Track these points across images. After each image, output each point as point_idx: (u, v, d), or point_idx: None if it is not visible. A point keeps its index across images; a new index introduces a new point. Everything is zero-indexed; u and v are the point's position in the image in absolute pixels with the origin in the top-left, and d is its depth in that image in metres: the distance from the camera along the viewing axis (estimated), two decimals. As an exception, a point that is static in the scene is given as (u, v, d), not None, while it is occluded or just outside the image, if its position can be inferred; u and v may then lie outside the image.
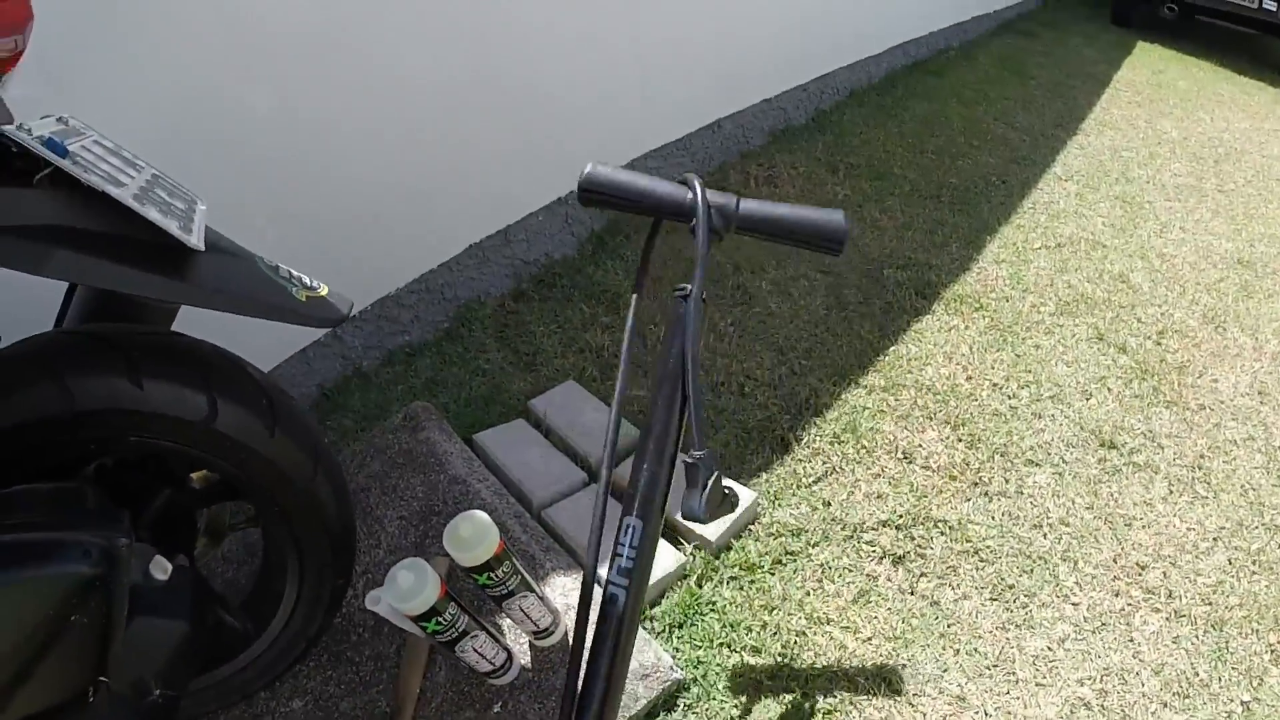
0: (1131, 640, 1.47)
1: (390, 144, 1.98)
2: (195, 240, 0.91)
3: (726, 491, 0.94)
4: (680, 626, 1.47)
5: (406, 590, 1.12)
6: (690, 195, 1.02)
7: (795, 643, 1.44)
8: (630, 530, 0.92)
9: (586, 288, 2.37)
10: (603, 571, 0.92)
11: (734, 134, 3.04)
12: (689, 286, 0.99)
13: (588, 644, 0.89)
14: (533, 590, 1.28)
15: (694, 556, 1.56)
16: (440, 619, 1.15)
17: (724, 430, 1.84)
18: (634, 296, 1.04)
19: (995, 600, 1.54)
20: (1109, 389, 2.06)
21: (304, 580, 1.23)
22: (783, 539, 1.61)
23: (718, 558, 1.57)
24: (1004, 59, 4.39)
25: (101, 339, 0.99)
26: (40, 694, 0.89)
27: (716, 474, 0.90)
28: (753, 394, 1.95)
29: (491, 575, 1.20)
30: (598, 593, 0.91)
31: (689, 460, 0.90)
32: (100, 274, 0.85)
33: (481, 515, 1.19)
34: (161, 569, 0.98)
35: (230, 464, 1.06)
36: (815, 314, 2.22)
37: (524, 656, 1.38)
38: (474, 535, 1.16)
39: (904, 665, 1.42)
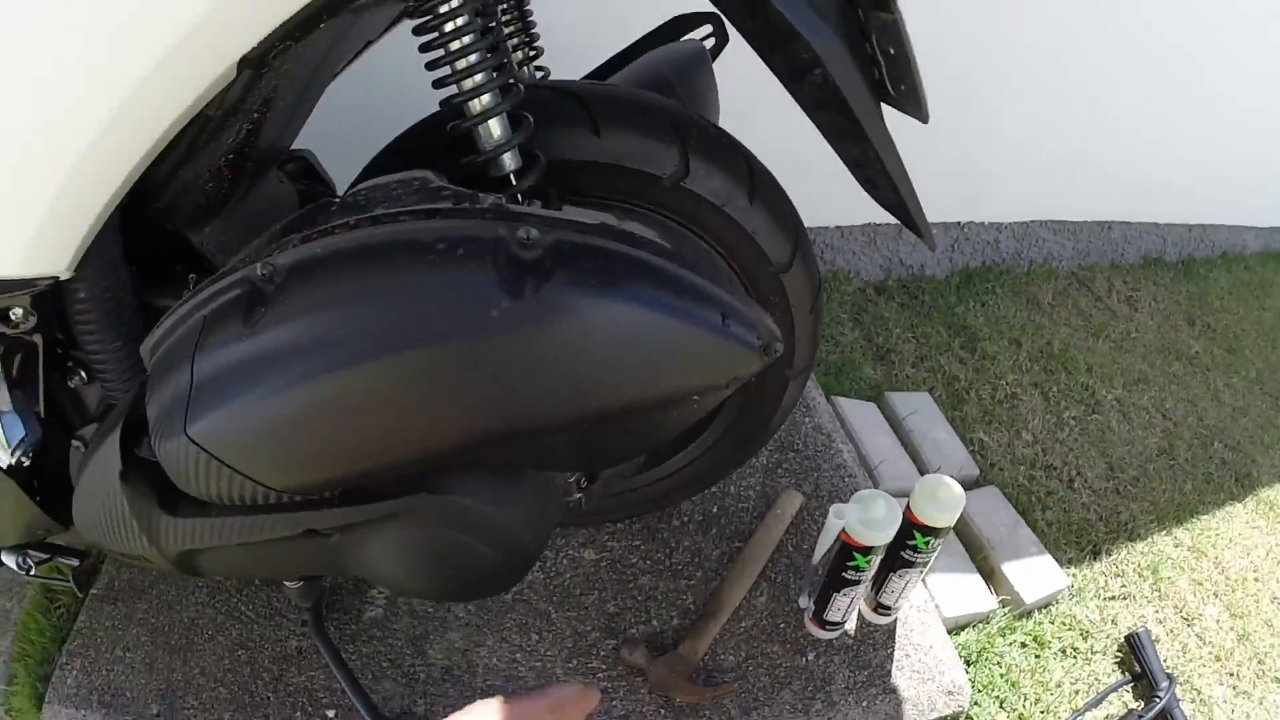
0: None
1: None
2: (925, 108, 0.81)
3: None
4: (970, 664, 1.59)
5: (878, 520, 1.19)
6: None
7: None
8: None
9: (945, 313, 2.47)
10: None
11: (1116, 241, 3.06)
12: None
13: None
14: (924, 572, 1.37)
15: (1001, 608, 1.68)
16: (870, 559, 1.23)
17: (1050, 510, 1.94)
18: None
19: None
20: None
21: (739, 418, 1.19)
22: (1073, 633, 1.72)
23: (1018, 620, 1.69)
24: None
25: (724, 134, 0.99)
26: (584, 451, 0.82)
27: None
28: (1079, 491, 2.04)
29: (929, 542, 1.25)
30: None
31: None
32: (853, 89, 0.75)
33: (956, 486, 1.24)
34: None
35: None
36: (1148, 450, 2.27)
37: (851, 623, 1.42)
38: (948, 501, 1.21)
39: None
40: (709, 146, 0.95)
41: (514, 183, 0.85)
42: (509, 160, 0.84)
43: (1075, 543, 1.91)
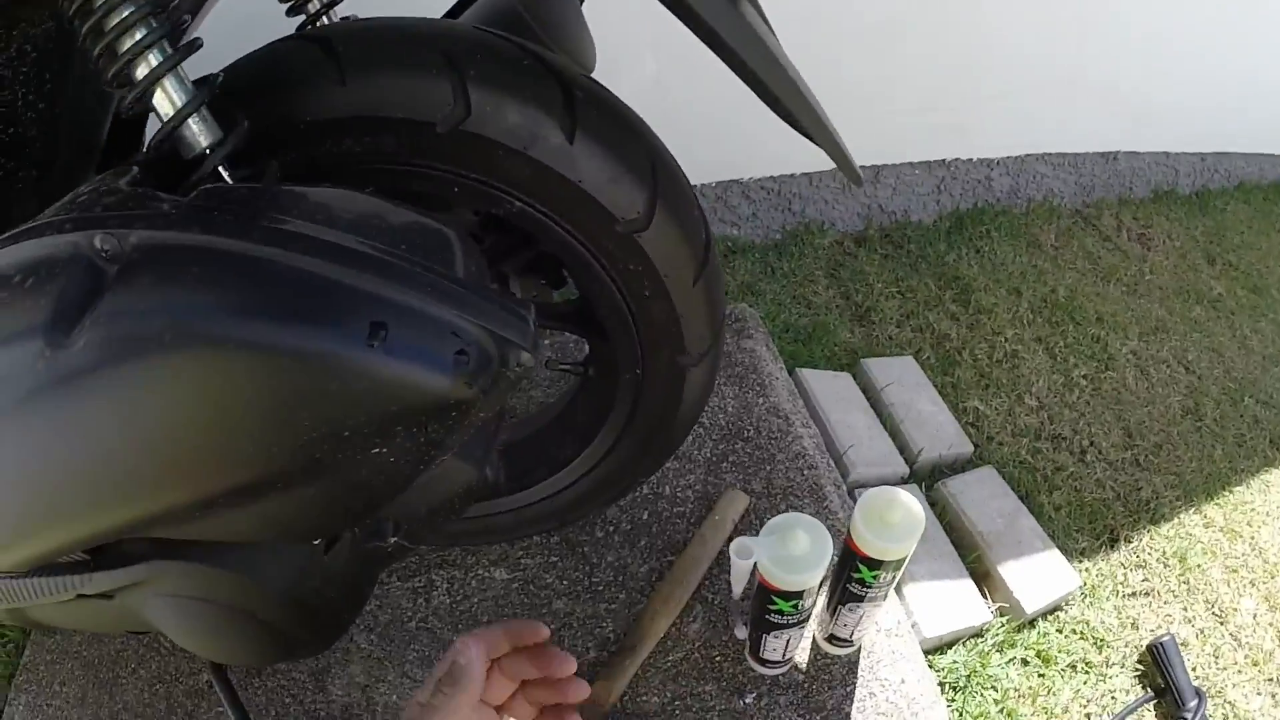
0: None
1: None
2: None
3: None
4: (957, 690, 1.32)
5: (798, 559, 0.86)
6: None
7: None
8: None
9: (935, 264, 2.16)
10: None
11: (1123, 174, 2.74)
12: None
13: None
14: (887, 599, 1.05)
15: (999, 618, 1.40)
16: (802, 603, 0.92)
17: (1058, 491, 1.65)
18: None
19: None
20: None
21: (632, 419, 0.95)
22: (1085, 643, 1.44)
23: (1019, 631, 1.41)
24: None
25: (528, 55, 0.71)
26: (263, 525, 0.61)
27: None
28: (1093, 465, 1.74)
29: (878, 576, 0.93)
30: None
31: None
32: None
33: (912, 503, 0.90)
34: None
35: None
36: (1170, 411, 1.97)
37: (803, 654, 1.15)
38: (901, 527, 0.88)
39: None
40: (499, 75, 0.70)
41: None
42: (199, 132, 0.62)
43: (1089, 529, 1.62)
